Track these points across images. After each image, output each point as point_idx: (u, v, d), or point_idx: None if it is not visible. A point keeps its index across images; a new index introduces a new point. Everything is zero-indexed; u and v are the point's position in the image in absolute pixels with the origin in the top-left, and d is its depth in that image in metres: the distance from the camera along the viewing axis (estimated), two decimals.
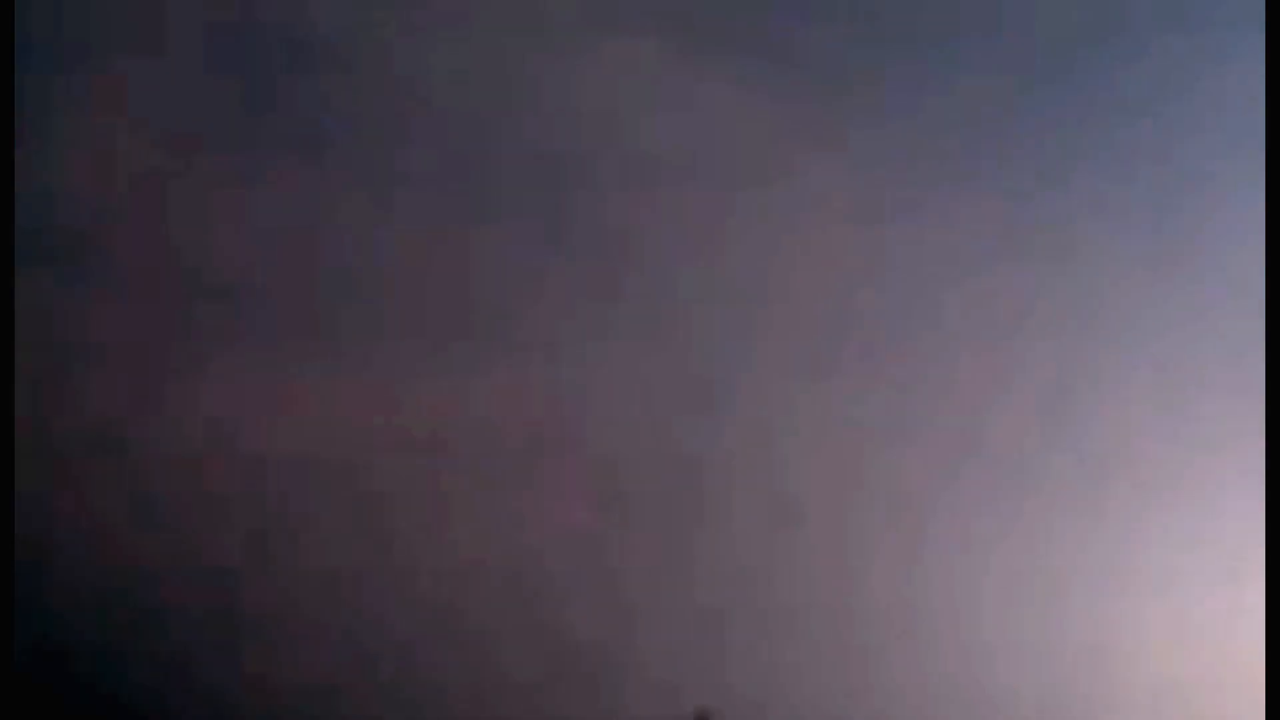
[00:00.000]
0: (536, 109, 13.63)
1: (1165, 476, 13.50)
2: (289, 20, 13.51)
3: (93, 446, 12.62)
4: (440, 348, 13.17)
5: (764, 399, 13.39)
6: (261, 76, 13.35)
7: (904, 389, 13.58)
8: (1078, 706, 13.19)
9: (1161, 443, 13.59)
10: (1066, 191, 13.94)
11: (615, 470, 13.03)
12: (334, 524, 12.74)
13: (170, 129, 13.23)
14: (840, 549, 13.23)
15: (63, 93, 13.11)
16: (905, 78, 13.72)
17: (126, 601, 12.41)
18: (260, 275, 13.14)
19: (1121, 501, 13.55)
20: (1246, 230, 14.02)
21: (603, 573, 12.93)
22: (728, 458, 13.20)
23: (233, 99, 13.33)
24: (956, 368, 13.66)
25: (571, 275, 13.41)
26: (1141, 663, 13.23)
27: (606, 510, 13.02)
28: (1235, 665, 13.15)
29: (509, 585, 12.80)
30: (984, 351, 13.71)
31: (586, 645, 12.77)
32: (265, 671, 12.42)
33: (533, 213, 13.38)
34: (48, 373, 12.65)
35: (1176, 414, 13.73)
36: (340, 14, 13.53)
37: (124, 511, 12.54)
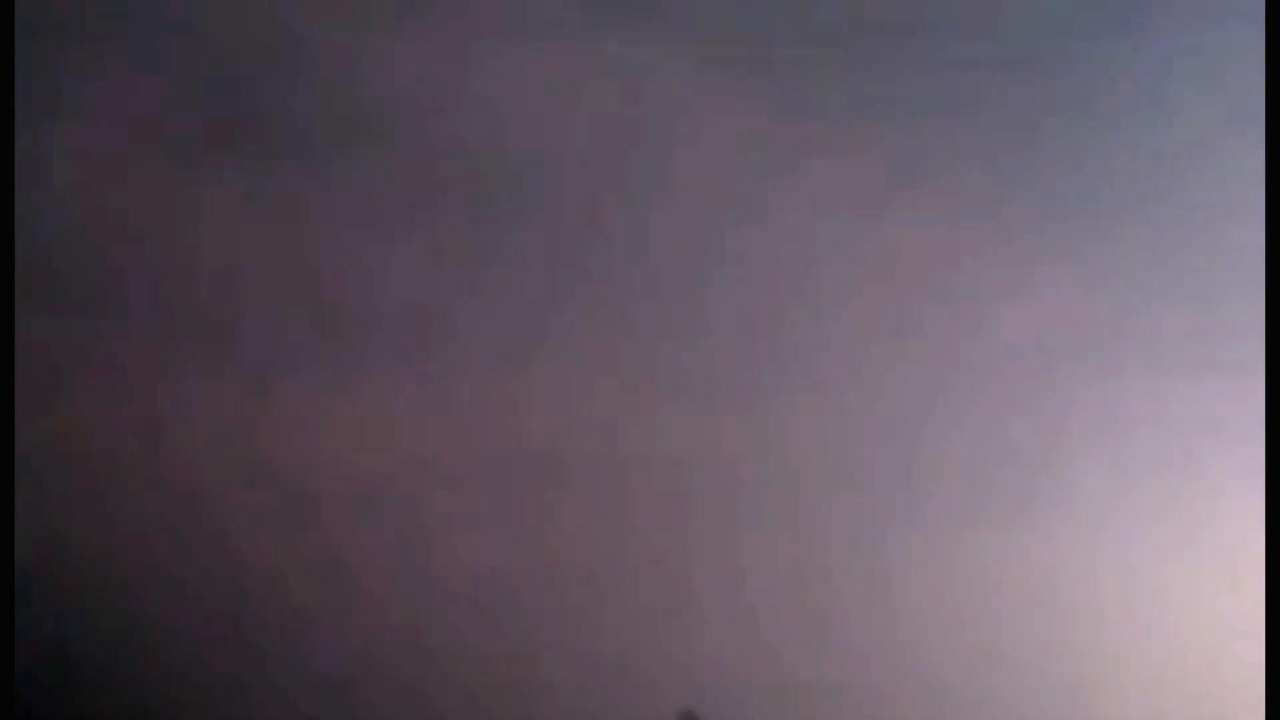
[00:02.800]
0: (519, 113, 13.59)
1: (1153, 464, 13.44)
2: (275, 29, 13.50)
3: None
4: (420, 360, 13.14)
5: (747, 401, 13.36)
6: (249, 88, 13.34)
7: (880, 391, 13.53)
8: (1062, 701, 13.14)
9: (1152, 434, 13.52)
10: (1054, 178, 13.87)
11: (612, 474, 13.00)
12: (327, 529, 12.74)
13: (160, 142, 13.23)
14: (819, 551, 13.19)
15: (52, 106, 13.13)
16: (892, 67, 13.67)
17: (120, 611, 12.45)
18: (249, 288, 13.13)
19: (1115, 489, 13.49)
20: (1239, 203, 13.93)
21: (586, 575, 12.91)
22: (712, 459, 13.17)
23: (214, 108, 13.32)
24: (936, 369, 13.61)
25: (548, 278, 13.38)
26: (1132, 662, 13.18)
27: (593, 514, 13.01)
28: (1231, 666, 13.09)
29: (495, 591, 12.79)
30: (965, 352, 13.66)
31: (569, 647, 12.75)
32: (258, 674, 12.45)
33: (519, 221, 13.35)
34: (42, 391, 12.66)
35: (1170, 404, 13.66)
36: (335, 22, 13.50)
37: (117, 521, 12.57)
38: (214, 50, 13.48)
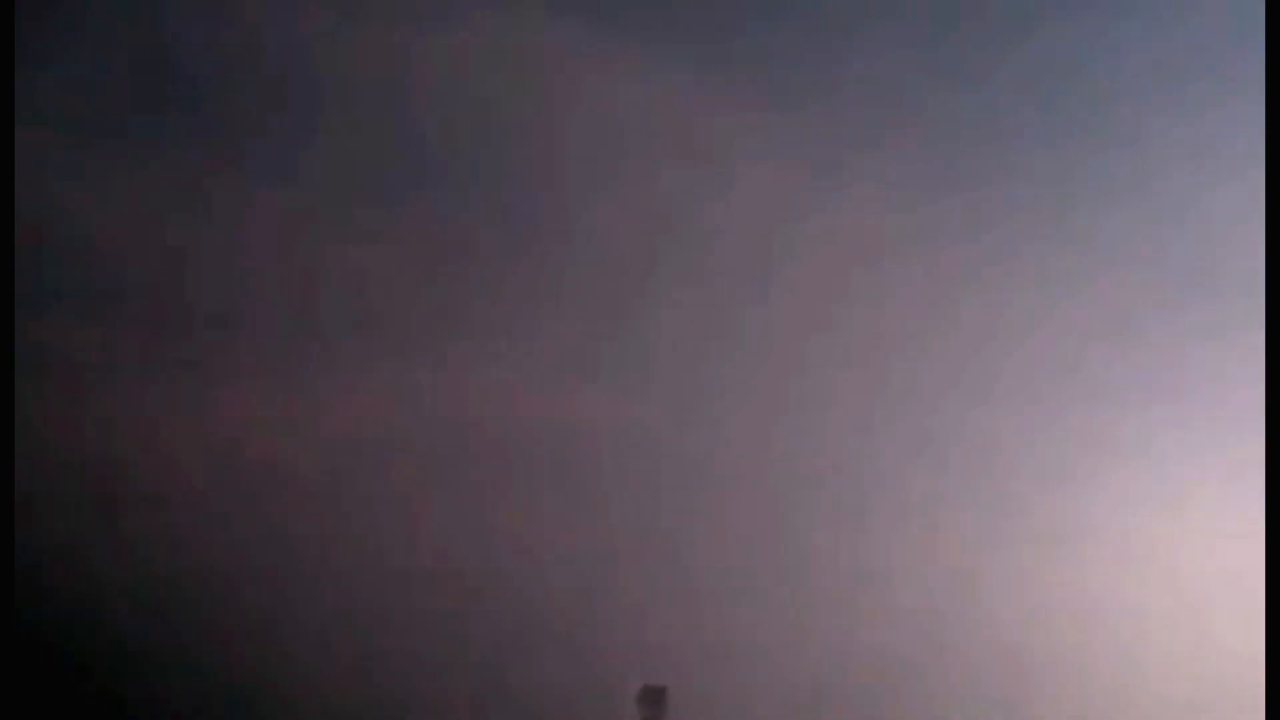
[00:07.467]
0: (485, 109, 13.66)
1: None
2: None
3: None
4: (402, 349, 13.20)
5: (737, 392, 13.41)
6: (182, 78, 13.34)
7: (868, 358, 13.56)
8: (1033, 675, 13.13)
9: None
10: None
11: (590, 459, 13.07)
12: (315, 525, 12.78)
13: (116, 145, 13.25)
14: (792, 528, 13.21)
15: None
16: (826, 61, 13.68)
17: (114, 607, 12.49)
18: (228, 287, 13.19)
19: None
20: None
21: (569, 555, 12.97)
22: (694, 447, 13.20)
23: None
24: (921, 360, 13.64)
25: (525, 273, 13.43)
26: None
27: (576, 497, 13.07)
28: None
29: (482, 572, 12.84)
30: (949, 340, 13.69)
31: (549, 621, 12.81)
32: (259, 670, 12.48)
33: (488, 215, 13.43)
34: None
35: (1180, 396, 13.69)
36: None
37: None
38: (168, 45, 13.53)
